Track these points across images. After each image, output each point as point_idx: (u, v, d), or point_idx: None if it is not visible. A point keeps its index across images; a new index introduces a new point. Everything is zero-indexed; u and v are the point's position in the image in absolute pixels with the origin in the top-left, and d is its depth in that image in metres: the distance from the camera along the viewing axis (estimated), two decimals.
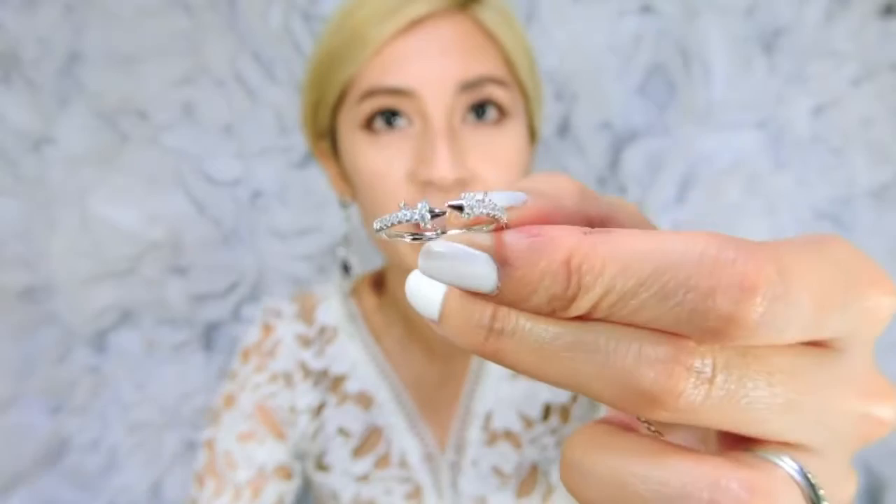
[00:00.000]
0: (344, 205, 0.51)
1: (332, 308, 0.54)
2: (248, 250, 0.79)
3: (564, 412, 0.51)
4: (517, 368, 0.14)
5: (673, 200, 0.77)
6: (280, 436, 0.50)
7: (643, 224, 0.16)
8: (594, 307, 0.12)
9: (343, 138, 0.46)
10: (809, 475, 0.14)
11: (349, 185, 0.48)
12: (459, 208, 0.13)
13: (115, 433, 0.78)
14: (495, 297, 0.13)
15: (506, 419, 0.50)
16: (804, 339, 0.13)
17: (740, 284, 0.12)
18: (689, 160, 0.77)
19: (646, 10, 0.79)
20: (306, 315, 0.55)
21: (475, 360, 0.51)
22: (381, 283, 0.55)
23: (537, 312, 0.13)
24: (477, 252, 0.13)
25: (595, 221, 0.15)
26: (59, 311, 0.78)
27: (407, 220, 0.13)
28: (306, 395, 0.52)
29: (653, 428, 0.16)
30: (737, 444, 0.15)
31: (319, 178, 0.77)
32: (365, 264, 0.64)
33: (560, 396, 0.51)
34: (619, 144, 0.79)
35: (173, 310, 0.78)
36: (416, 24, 0.42)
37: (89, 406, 0.79)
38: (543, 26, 0.77)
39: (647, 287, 0.12)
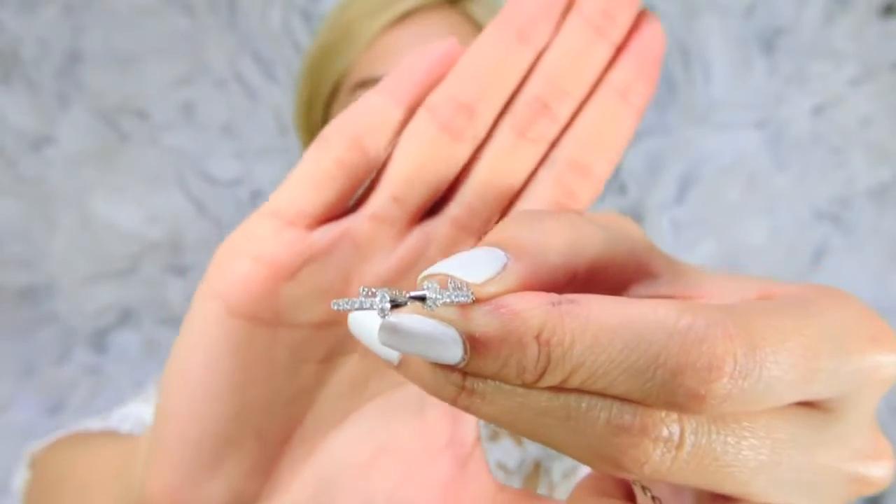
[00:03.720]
0: None
1: None
2: None
3: None
4: (490, 422, 0.13)
5: (673, 200, 0.77)
6: None
7: (643, 252, 0.15)
8: (564, 381, 0.12)
9: None
10: None
11: None
12: (422, 299, 0.12)
13: None
14: (461, 368, 0.12)
15: None
16: (784, 405, 0.13)
17: (708, 365, 0.11)
18: (689, 160, 0.77)
19: None
20: None
21: None
22: None
23: (505, 382, 0.13)
24: (443, 331, 0.12)
25: (582, 274, 0.14)
26: (59, 311, 0.78)
27: (367, 308, 0.12)
28: None
29: (648, 492, 0.15)
30: (724, 500, 0.14)
31: None
32: None
33: None
34: None
35: (173, 310, 0.78)
36: (407, 17, 0.43)
37: (89, 406, 0.79)
38: None
39: (617, 364, 0.12)
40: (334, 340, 0.18)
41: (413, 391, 0.19)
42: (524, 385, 0.12)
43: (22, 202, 0.77)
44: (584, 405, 0.12)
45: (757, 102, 0.77)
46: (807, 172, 0.77)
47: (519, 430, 0.13)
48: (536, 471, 0.50)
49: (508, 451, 0.49)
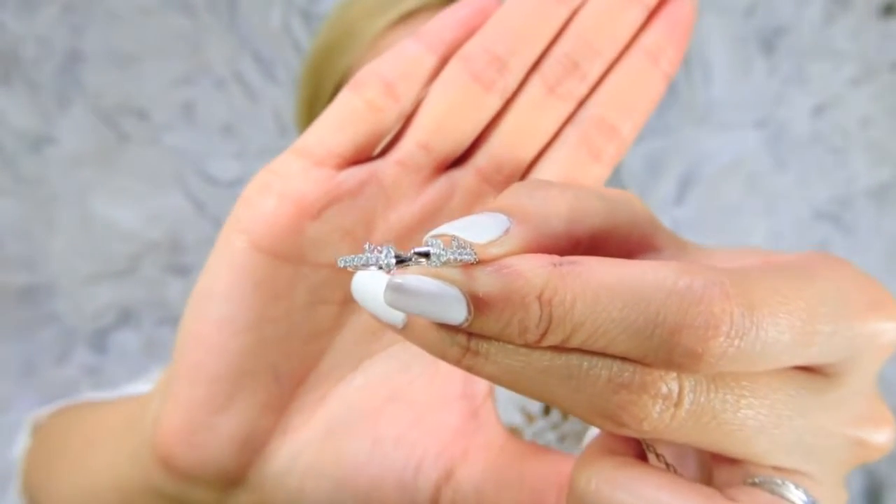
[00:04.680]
0: None
1: None
2: None
3: None
4: (492, 381, 0.14)
5: (673, 200, 0.77)
6: None
7: (647, 225, 0.16)
8: (565, 341, 0.12)
9: None
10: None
11: None
12: (426, 255, 0.12)
13: None
14: (464, 328, 0.13)
15: (508, 414, 0.50)
16: (782, 367, 0.13)
17: (706, 323, 0.12)
18: (689, 160, 0.77)
19: None
20: None
21: None
22: None
23: (508, 342, 0.13)
24: (448, 291, 0.12)
25: (584, 241, 0.14)
26: (59, 311, 0.78)
27: (372, 264, 0.13)
28: None
29: (655, 453, 0.16)
30: (730, 464, 0.14)
31: None
32: None
33: None
34: None
35: (173, 310, 0.78)
36: (409, 17, 0.43)
37: None
38: None
39: (617, 324, 0.12)
40: None
41: None
42: (527, 345, 0.13)
43: (22, 202, 0.77)
44: (585, 364, 0.12)
45: (757, 102, 0.77)
46: (807, 172, 0.77)
47: (522, 390, 0.13)
48: None
49: None
